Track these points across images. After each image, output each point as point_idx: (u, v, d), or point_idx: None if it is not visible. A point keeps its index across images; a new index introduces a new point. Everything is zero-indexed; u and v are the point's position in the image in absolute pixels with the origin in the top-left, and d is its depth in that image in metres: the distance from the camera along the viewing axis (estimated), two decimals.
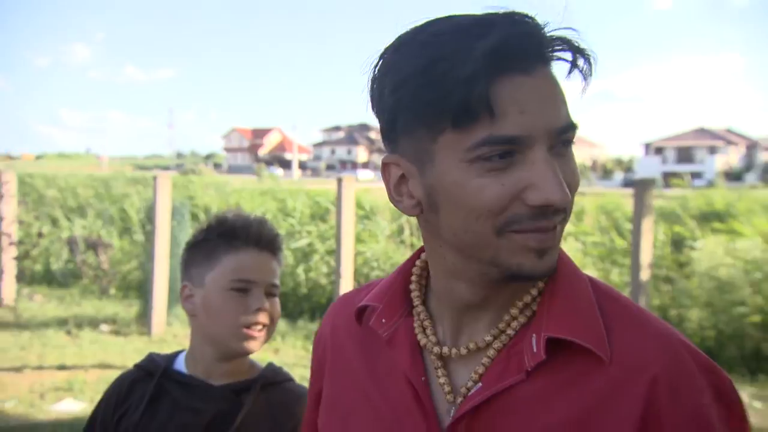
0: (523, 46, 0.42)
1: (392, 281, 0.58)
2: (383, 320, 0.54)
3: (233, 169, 77.05)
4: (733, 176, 32.61)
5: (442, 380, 0.51)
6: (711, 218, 6.82)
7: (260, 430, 0.97)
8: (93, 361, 4.93)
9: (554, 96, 0.44)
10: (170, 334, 5.77)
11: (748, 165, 38.59)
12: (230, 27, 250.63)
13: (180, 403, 0.98)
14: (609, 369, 0.44)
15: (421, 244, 0.56)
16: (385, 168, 0.51)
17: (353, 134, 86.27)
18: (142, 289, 6.57)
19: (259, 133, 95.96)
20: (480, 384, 0.48)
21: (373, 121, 0.52)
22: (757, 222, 5.57)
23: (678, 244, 5.15)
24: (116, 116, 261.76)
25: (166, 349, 1.17)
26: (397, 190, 0.50)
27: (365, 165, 78.36)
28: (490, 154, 0.42)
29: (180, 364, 1.04)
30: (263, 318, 0.97)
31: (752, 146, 41.67)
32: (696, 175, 29.17)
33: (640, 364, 0.44)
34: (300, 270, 7.16)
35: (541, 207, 0.42)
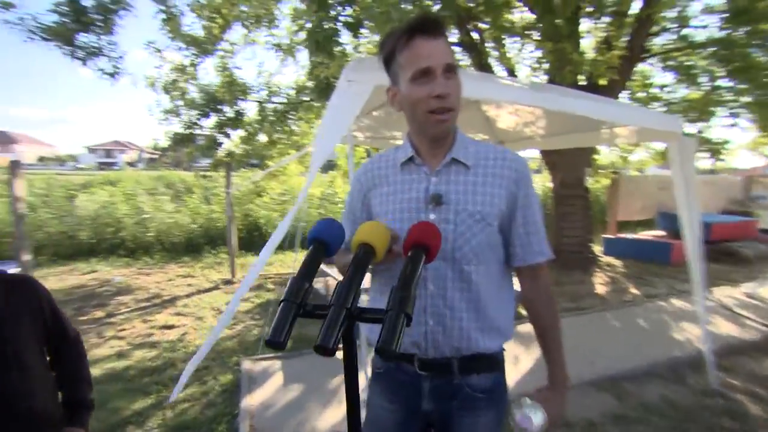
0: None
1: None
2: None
3: None
4: (131, 165, 51.95)
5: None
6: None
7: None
8: None
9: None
10: None
11: (140, 160, 60.21)
12: None
13: None
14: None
15: None
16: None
17: None
18: None
19: None
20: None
21: None
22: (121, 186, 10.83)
23: None
24: None
25: None
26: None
27: None
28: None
29: None
30: None
31: (140, 150, 68.60)
32: (113, 164, 54.46)
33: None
34: None
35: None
